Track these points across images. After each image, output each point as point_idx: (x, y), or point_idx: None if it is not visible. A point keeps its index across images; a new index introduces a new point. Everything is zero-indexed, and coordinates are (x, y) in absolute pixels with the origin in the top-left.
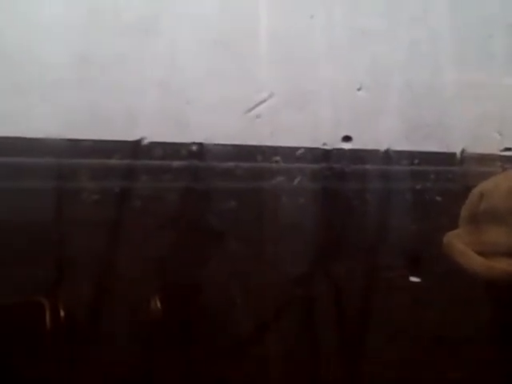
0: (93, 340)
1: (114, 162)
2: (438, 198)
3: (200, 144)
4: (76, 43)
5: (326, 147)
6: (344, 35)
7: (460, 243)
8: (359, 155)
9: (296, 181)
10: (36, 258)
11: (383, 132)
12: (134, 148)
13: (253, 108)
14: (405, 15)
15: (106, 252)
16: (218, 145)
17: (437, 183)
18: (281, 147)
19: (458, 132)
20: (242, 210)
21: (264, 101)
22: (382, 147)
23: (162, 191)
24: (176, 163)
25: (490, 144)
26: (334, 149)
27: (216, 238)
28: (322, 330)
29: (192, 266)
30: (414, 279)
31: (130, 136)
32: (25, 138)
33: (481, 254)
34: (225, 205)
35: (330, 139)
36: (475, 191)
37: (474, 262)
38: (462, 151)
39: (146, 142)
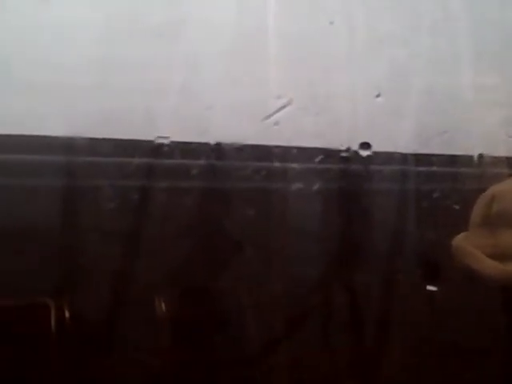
0: (104, 343)
1: (134, 160)
2: (456, 204)
3: (218, 144)
4: (97, 47)
5: (343, 154)
6: (363, 41)
7: (470, 246)
8: (377, 159)
9: (314, 185)
10: (52, 259)
11: (401, 137)
12: (154, 149)
13: (272, 114)
14: (424, 21)
15: (125, 253)
16: (236, 147)
17: (454, 186)
18: (299, 150)
19: (476, 136)
20: (260, 214)
21: (283, 106)
22: (401, 151)
23: (180, 191)
24: (194, 163)
25: (508, 147)
26: (352, 153)
27: (233, 241)
28: (340, 336)
29: (210, 268)
30: (431, 288)
31: (150, 136)
32: (42, 136)
33: (492, 257)
34: (242, 207)
35: (348, 145)
36: (486, 194)
37: (486, 265)
38: (480, 155)
39: (165, 143)
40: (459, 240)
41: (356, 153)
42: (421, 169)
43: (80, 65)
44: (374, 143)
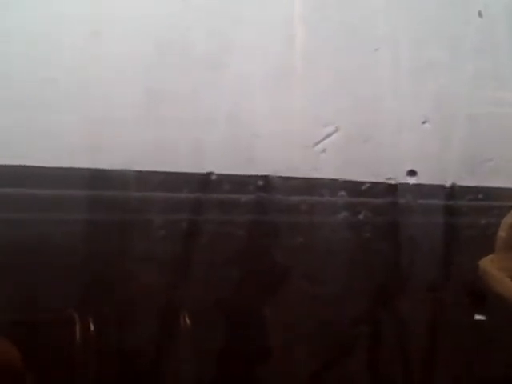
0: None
1: (183, 195)
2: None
3: (266, 177)
4: (145, 79)
5: (390, 181)
6: (408, 68)
7: (495, 269)
8: (424, 190)
9: (360, 215)
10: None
11: (448, 165)
12: (203, 181)
13: (318, 142)
14: (468, 47)
15: (175, 285)
16: (284, 178)
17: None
18: (345, 181)
19: None
20: (307, 245)
21: (329, 134)
22: (447, 180)
23: (229, 224)
24: (243, 197)
25: None
26: (399, 183)
27: (281, 273)
28: (387, 368)
29: (257, 300)
30: (479, 317)
31: (198, 168)
32: (95, 170)
33: None
34: (290, 239)
35: (394, 173)
36: (510, 216)
37: (510, 288)
38: None
39: (213, 176)
40: (485, 263)
41: (402, 184)
42: (467, 200)
43: (128, 98)
44: (419, 170)
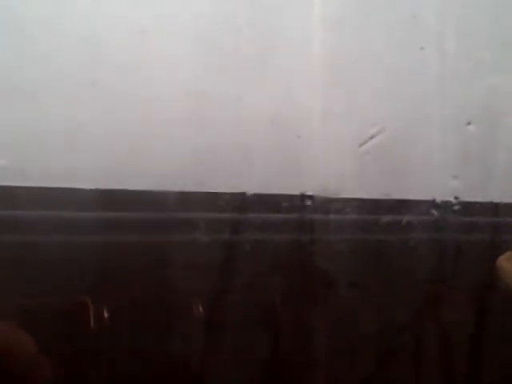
0: None
1: (223, 215)
2: None
3: (311, 196)
4: (193, 81)
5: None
6: (455, 68)
7: (511, 265)
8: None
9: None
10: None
11: (493, 168)
12: (241, 200)
13: (363, 143)
14: None
15: (213, 309)
16: (328, 199)
17: None
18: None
19: None
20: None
21: (374, 135)
22: (492, 185)
23: (270, 244)
24: (284, 216)
25: None
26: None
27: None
28: (431, 376)
29: (301, 318)
30: None
31: (245, 172)
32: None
33: None
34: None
35: (438, 177)
36: None
37: None
38: None
39: (251, 193)
40: (502, 260)
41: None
42: None
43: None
44: (463, 173)
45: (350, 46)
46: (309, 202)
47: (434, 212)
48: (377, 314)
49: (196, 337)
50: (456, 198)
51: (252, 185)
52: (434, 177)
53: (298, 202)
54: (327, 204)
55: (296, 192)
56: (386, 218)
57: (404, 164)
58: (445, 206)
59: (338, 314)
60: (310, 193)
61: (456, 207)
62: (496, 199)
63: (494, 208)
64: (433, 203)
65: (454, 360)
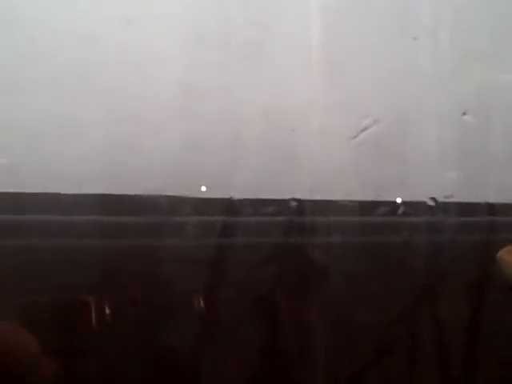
0: None
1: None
2: None
3: (298, 200)
4: (179, 71)
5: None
6: (449, 58)
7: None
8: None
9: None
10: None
11: (489, 159)
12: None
13: (356, 135)
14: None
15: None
16: (317, 201)
17: None
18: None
19: None
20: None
21: (367, 127)
22: (489, 175)
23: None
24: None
25: None
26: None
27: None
28: (427, 369)
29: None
30: None
31: (234, 164)
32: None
33: None
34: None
35: (434, 169)
36: None
37: None
38: None
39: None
40: (503, 252)
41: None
42: None
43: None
44: (461, 164)
45: (343, 37)
46: (297, 203)
47: (430, 202)
48: (373, 313)
49: (190, 331)
50: (448, 196)
51: (242, 184)
52: (430, 169)
53: (289, 204)
54: (319, 206)
55: (287, 190)
56: (380, 219)
57: (398, 156)
58: (441, 205)
59: (334, 314)
60: (302, 191)
61: (451, 200)
62: (493, 193)
63: (490, 207)
64: (429, 198)
65: (450, 357)
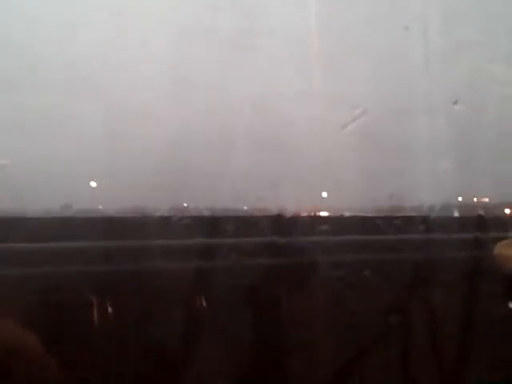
0: None
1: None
2: None
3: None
4: (169, 61)
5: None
6: (440, 47)
7: (510, 250)
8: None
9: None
10: None
11: (480, 146)
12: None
13: (346, 125)
14: (502, 26)
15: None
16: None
17: None
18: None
19: None
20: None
21: (358, 117)
22: (480, 162)
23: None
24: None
25: None
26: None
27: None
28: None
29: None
30: None
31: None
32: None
33: None
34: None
35: (426, 155)
36: None
37: None
38: None
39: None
40: (501, 247)
41: None
42: None
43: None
44: (453, 152)
45: (333, 28)
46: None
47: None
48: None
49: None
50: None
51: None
52: (421, 158)
53: (274, 222)
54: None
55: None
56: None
57: (388, 145)
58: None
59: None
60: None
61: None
62: (484, 182)
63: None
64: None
65: (443, 346)
